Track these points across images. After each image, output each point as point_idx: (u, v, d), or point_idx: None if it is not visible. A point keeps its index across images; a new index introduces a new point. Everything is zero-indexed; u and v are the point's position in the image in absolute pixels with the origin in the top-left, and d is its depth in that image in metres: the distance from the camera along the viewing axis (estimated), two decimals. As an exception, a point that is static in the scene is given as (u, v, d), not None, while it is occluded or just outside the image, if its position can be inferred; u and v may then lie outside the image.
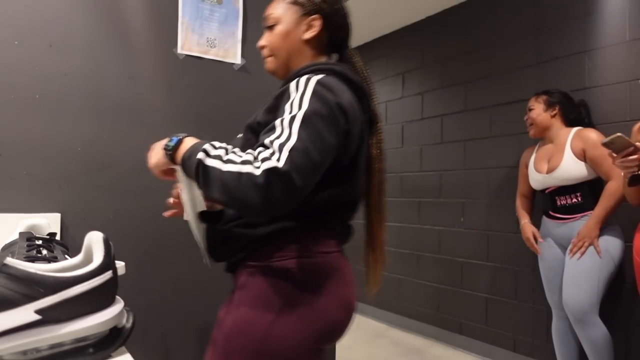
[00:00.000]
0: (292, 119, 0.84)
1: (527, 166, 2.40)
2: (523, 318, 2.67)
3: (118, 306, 0.49)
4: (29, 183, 1.38)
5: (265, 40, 1.08)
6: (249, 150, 0.81)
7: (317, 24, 1.04)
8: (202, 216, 0.98)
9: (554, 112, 2.25)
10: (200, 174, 0.80)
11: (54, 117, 1.40)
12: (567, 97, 2.30)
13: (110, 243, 0.51)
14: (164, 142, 0.90)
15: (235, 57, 1.65)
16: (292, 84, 0.91)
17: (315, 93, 0.88)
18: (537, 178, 2.27)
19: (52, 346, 0.44)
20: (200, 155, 0.80)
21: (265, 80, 1.73)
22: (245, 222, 0.93)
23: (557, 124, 2.25)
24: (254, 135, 0.96)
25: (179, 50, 1.56)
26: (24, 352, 0.43)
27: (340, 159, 0.93)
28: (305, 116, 0.84)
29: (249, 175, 0.76)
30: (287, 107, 0.87)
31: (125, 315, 0.51)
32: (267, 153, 0.78)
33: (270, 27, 1.06)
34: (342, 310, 0.97)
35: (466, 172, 3.05)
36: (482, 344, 2.90)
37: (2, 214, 1.29)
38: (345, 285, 0.99)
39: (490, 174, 2.89)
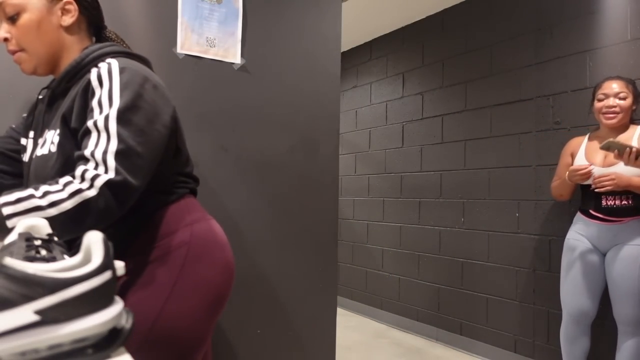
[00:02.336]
0: (107, 119, 0.81)
1: (572, 156, 2.21)
2: (524, 318, 2.67)
3: (117, 307, 0.48)
4: (28, 183, 1.37)
5: (8, 32, 0.91)
6: (67, 177, 0.77)
7: (72, 8, 0.94)
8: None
9: (635, 107, 2.06)
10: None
11: (54, 117, 1.39)
12: None
13: (110, 243, 0.50)
14: None
15: (235, 56, 1.65)
16: (94, 79, 0.86)
17: (124, 85, 0.85)
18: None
19: (51, 347, 0.44)
20: (14, 220, 0.71)
21: (265, 80, 1.73)
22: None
23: (630, 119, 2.09)
24: (70, 131, 0.89)
25: (179, 50, 1.55)
26: (23, 353, 0.43)
27: (177, 128, 0.97)
28: (120, 113, 0.82)
29: (87, 202, 0.75)
30: (96, 105, 0.83)
31: (125, 316, 0.50)
32: (92, 169, 0.76)
33: (12, 18, 0.90)
34: (228, 274, 0.98)
35: (466, 172, 3.05)
36: (482, 344, 2.89)
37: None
38: (223, 248, 0.99)
39: (490, 174, 2.89)
